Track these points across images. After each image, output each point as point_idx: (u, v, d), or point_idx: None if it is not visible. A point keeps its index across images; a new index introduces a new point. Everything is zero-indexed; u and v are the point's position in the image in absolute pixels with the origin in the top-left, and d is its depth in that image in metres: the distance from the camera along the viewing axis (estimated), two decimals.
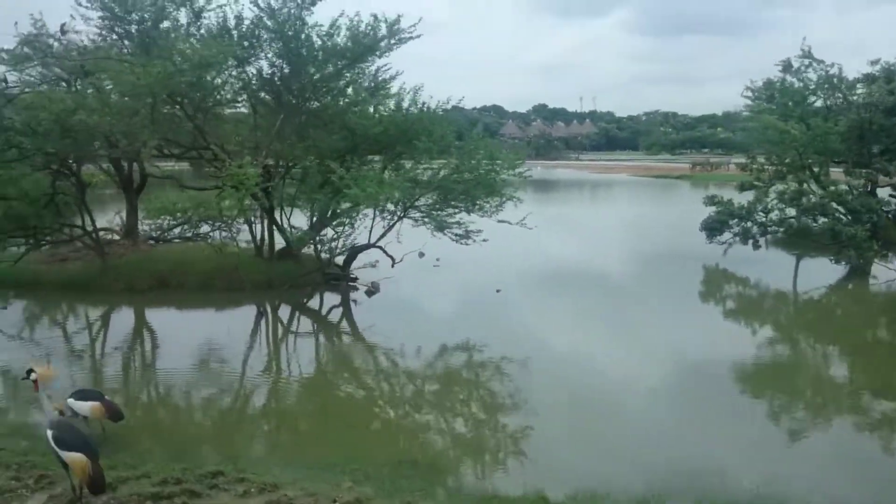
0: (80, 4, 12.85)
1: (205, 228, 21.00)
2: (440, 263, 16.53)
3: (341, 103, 14.79)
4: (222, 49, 12.24)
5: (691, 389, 10.08)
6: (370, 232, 14.49)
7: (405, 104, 14.00)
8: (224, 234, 21.39)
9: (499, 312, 14.28)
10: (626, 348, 11.94)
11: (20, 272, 15.41)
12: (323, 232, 15.48)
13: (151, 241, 19.44)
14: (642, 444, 7.95)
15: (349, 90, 14.25)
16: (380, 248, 14.25)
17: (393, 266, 14.06)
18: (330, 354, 12.41)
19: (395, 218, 14.23)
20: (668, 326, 13.32)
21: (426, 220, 14.07)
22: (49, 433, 5.82)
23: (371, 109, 14.00)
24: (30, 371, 6.10)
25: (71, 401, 7.51)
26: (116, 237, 19.10)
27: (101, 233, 17.12)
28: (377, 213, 14.11)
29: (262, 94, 14.78)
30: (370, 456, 7.58)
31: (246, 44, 13.13)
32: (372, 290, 15.09)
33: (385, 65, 14.83)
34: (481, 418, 9.00)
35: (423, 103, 13.97)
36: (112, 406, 7.56)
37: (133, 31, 13.09)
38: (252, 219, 16.21)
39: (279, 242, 16.05)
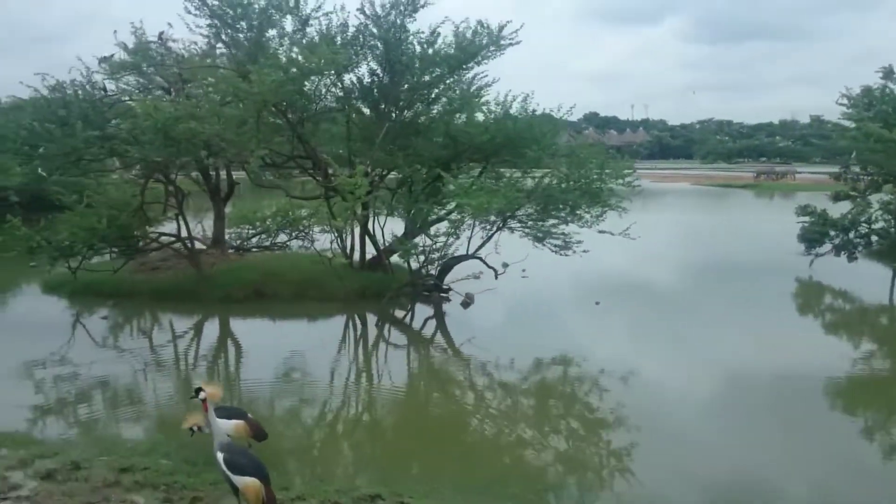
0: (188, 12, 12.82)
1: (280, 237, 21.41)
2: (527, 274, 16.05)
3: (437, 111, 14.51)
4: (335, 56, 12.07)
5: (798, 408, 9.61)
6: (469, 242, 14.12)
7: (512, 111, 13.60)
8: (301, 243, 21.56)
9: (598, 325, 13.95)
10: (728, 364, 11.49)
11: (117, 281, 15.55)
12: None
13: (231, 251, 19.47)
14: (752, 463, 7.66)
15: (447, 97, 13.89)
16: (479, 258, 13.86)
17: (496, 278, 13.66)
18: (435, 368, 12.06)
19: (494, 228, 13.83)
20: (770, 341, 12.79)
21: (527, 230, 13.66)
22: (220, 456, 5.56)
23: (477, 117, 13.65)
24: (198, 390, 5.87)
25: (211, 416, 7.25)
26: (202, 246, 19.20)
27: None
28: (476, 223, 13.74)
29: (358, 103, 14.54)
30: (517, 477, 7.35)
31: (351, 51, 12.91)
32: (467, 302, 14.71)
33: (482, 72, 14.51)
34: (629, 439, 8.52)
35: (533, 110, 13.60)
36: (256, 425, 7.28)
37: (240, 38, 13.00)
38: (343, 228, 16.01)
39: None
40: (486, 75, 14.61)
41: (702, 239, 28.78)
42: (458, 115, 13.26)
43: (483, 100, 14.41)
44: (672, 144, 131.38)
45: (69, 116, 12.95)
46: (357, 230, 15.97)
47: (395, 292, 14.43)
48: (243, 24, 12.75)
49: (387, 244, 15.68)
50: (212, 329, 14.32)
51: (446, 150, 13.59)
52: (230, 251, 19.47)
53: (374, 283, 15.33)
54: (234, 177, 18.78)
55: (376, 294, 15.11)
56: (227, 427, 7.07)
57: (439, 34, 13.74)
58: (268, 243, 21.20)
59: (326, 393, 10.18)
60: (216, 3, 12.62)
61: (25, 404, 9.27)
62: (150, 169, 14.44)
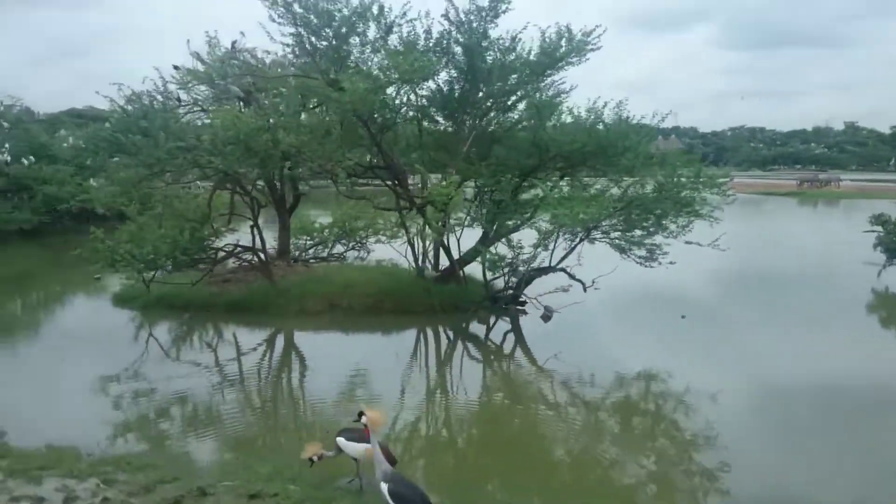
0: (272, 21, 12.63)
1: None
2: (598, 287, 15.61)
3: (517, 118, 14.17)
4: (429, 63, 11.81)
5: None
6: (552, 254, 13.73)
7: (604, 117, 13.19)
8: (357, 253, 21.33)
9: (684, 339, 13.50)
10: (819, 377, 11.17)
11: (193, 294, 15.41)
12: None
13: (294, 262, 19.28)
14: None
15: (531, 104, 13.51)
16: (565, 271, 13.44)
17: (585, 291, 13.24)
18: (516, 383, 11.70)
19: (578, 239, 13.42)
20: (863, 354, 12.43)
21: (615, 241, 13.24)
22: (384, 487, 5.24)
23: (563, 123, 13.26)
24: (361, 414, 5.56)
25: (341, 440, 6.88)
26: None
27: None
28: (560, 234, 13.35)
29: (433, 111, 14.25)
30: (602, 498, 7.25)
31: (434, 59, 12.62)
32: (547, 315, 14.29)
33: (559, 79, 14.15)
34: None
35: (627, 117, 13.18)
36: (385, 448, 6.89)
37: (323, 46, 12.78)
38: (413, 239, 15.72)
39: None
40: (563, 82, 14.27)
41: (769, 248, 28.15)
42: (546, 123, 12.89)
43: (572, 106, 13.99)
44: (703, 152, 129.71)
45: (151, 128, 12.84)
46: (429, 241, 15.69)
47: (477, 305, 14.07)
48: (328, 31, 12.49)
49: (459, 255, 15.36)
50: (289, 342, 14.10)
51: (530, 158, 13.23)
52: (295, 263, 19.33)
53: (449, 295, 14.99)
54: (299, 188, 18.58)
55: (452, 307, 14.82)
56: (356, 450, 6.73)
57: (520, 40, 13.44)
58: (324, 254, 21.07)
59: (405, 408, 9.91)
60: (300, 10, 12.39)
61: (113, 421, 9.19)
62: (227, 180, 14.28)
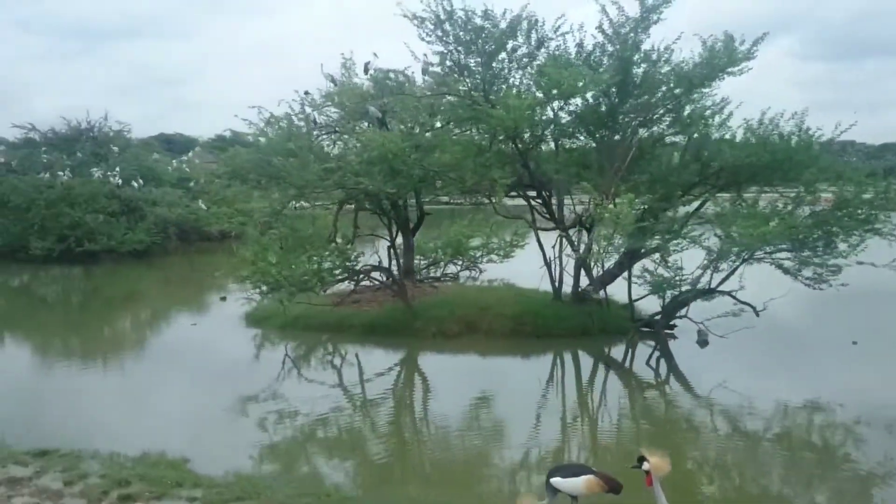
0: (422, 39, 12.41)
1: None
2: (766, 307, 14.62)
3: (666, 131, 13.48)
4: (601, 76, 11.33)
5: None
6: (710, 276, 12.90)
7: (780, 129, 12.37)
8: (470, 273, 20.91)
9: (857, 367, 12.40)
10: None
11: (327, 314, 15.30)
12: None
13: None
14: None
15: (693, 116, 12.82)
16: (729, 294, 12.57)
17: (758, 315, 12.35)
18: (677, 412, 10.83)
19: (740, 260, 12.57)
20: None
21: (781, 261, 12.33)
22: None
23: (728, 137, 12.51)
24: (641, 459, 5.01)
25: (558, 481, 6.29)
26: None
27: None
28: (730, 253, 12.50)
29: (580, 126, 13.72)
30: None
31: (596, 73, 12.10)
32: (704, 340, 13.44)
33: (712, 91, 13.37)
34: None
35: (807, 129, 12.33)
36: (607, 477, 6.24)
37: (472, 63, 12.47)
38: (550, 259, 15.16)
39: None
40: (716, 94, 13.48)
41: None
42: (712, 135, 12.19)
43: (734, 118, 13.18)
44: None
45: (298, 150, 12.82)
46: (558, 260, 15.12)
47: (635, 330, 13.41)
48: (477, 47, 12.15)
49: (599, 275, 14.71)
50: (430, 365, 13.72)
51: (687, 173, 12.51)
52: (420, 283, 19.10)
53: (590, 318, 14.36)
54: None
55: (596, 330, 14.21)
56: (575, 485, 6.13)
57: (672, 50, 12.81)
58: (437, 274, 20.76)
59: (556, 438, 9.41)
60: (451, 28, 12.11)
61: (276, 446, 9.08)
62: (366, 201, 14.13)
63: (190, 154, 48.32)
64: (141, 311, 20.35)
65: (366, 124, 15.47)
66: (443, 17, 11.94)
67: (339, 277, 14.64)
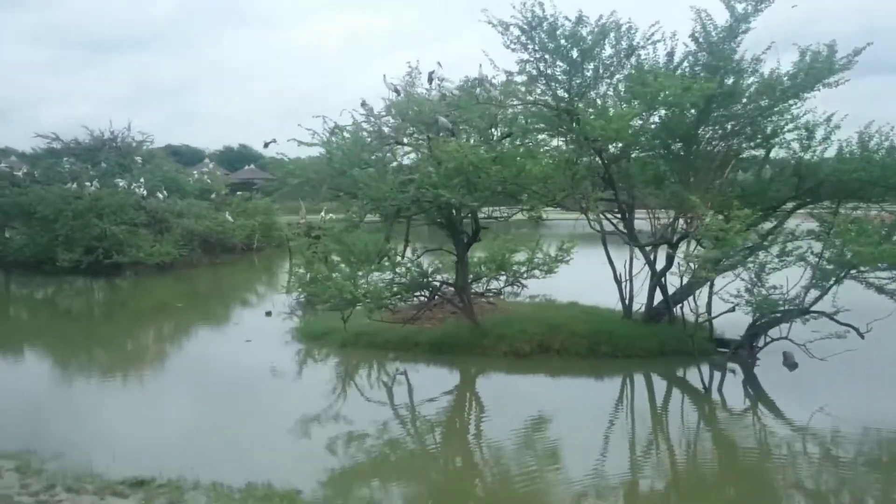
0: (507, 48, 11.92)
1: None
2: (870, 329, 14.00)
3: (753, 142, 12.99)
4: (702, 87, 10.85)
5: None
6: (805, 295, 12.32)
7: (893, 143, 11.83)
8: (512, 289, 20.32)
9: None
10: None
11: (390, 332, 14.76)
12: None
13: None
14: None
15: (788, 128, 12.32)
16: (828, 316, 11.99)
17: (863, 338, 11.78)
18: (770, 439, 10.24)
19: (834, 279, 12.02)
20: None
21: (878, 280, 11.78)
22: None
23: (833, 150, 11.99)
24: None
25: None
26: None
27: None
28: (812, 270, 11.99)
29: (663, 139, 13.20)
30: None
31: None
32: (793, 363, 12.86)
33: (796, 102, 12.86)
34: None
35: None
36: None
37: (557, 72, 12.01)
38: (621, 275, 14.63)
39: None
40: (800, 106, 12.98)
41: None
42: (815, 148, 11.70)
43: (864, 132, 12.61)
44: None
45: (373, 161, 12.34)
46: (629, 276, 14.60)
47: (731, 353, 12.86)
48: (569, 51, 11.65)
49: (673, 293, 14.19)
50: (502, 385, 13.18)
51: (785, 187, 12.00)
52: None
53: (670, 337, 13.82)
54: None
55: (676, 350, 13.67)
56: None
57: (762, 60, 12.34)
58: (479, 290, 20.25)
59: (637, 467, 8.86)
60: (539, 34, 11.64)
61: (352, 470, 8.62)
62: (439, 215, 13.62)
63: (210, 165, 47.98)
64: (185, 325, 19.77)
65: (423, 136, 14.98)
66: (534, 23, 11.47)
67: (416, 293, 14.06)
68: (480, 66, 15.16)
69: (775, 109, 12.54)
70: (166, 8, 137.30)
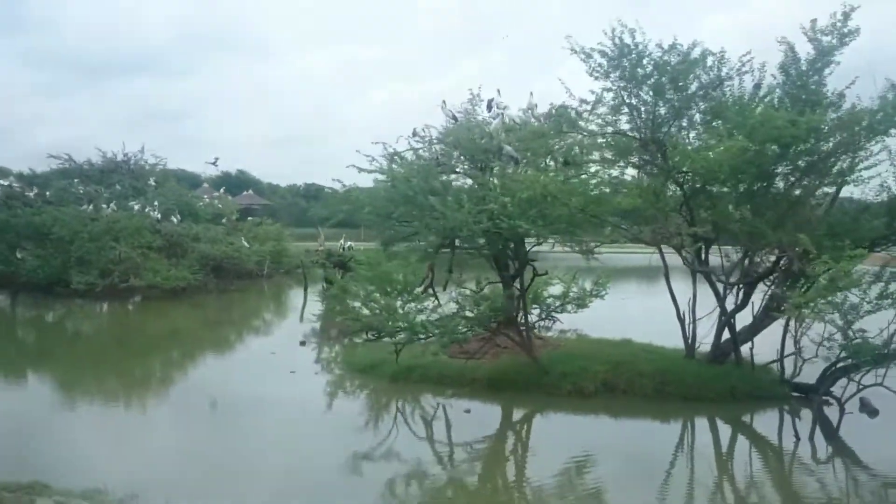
0: (591, 76, 11.55)
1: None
2: None
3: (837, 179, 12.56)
4: (809, 120, 10.48)
5: None
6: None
7: None
8: (544, 323, 19.73)
9: None
10: None
11: (444, 366, 14.14)
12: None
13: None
14: None
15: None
16: None
17: None
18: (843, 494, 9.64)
19: None
20: None
21: None
22: None
23: None
24: None
25: None
26: None
27: None
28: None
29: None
30: None
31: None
32: (871, 409, 12.31)
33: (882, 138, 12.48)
34: None
35: None
36: None
37: (638, 101, 11.62)
38: (683, 313, 14.12)
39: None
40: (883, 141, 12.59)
41: None
42: None
43: None
44: None
45: (444, 189, 11.89)
46: (693, 314, 14.08)
47: (790, 396, 12.30)
48: (657, 80, 11.25)
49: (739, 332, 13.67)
50: (571, 427, 12.53)
51: (879, 226, 11.60)
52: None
53: (741, 380, 13.25)
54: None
55: (747, 394, 13.09)
56: None
57: (844, 95, 12.02)
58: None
59: None
60: (629, 63, 11.28)
61: None
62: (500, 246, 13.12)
63: (221, 190, 47.50)
64: (222, 354, 19.04)
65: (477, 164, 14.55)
66: (624, 51, 11.12)
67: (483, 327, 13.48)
68: (531, 93, 14.88)
69: (856, 146, 12.20)
70: (163, 35, 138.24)
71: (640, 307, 24.46)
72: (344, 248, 30.74)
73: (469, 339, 13.08)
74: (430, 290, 17.51)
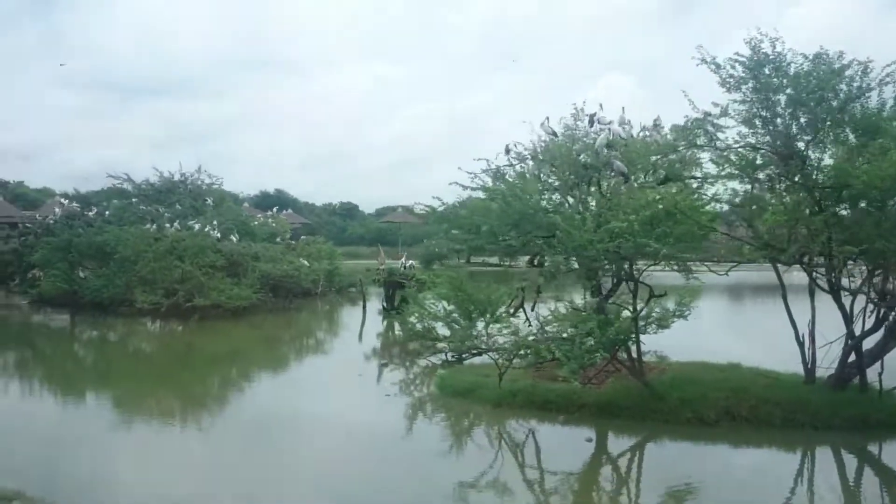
0: (724, 87, 10.99)
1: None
2: None
3: None
4: None
5: None
6: None
7: None
8: None
9: None
10: None
11: (545, 392, 13.53)
12: None
13: None
14: None
15: None
16: None
17: None
18: None
19: None
20: None
21: None
22: None
23: None
24: None
25: None
26: None
27: None
28: None
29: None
30: None
31: None
32: None
33: None
34: None
35: None
36: None
37: (771, 115, 11.00)
38: (803, 336, 13.39)
39: None
40: None
41: None
42: None
43: None
44: None
45: (555, 207, 11.43)
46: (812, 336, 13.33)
47: None
48: (797, 92, 10.63)
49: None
50: (689, 456, 11.85)
51: None
52: None
53: (875, 408, 12.46)
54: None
55: (879, 422, 12.29)
56: None
57: None
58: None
59: None
60: (767, 73, 10.70)
61: None
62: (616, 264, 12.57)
63: (274, 209, 47.72)
64: (304, 376, 18.67)
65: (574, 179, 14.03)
66: (763, 61, 10.57)
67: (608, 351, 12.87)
68: (623, 108, 14.39)
69: None
70: (196, 56, 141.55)
71: (721, 326, 23.71)
72: (405, 267, 30.36)
73: (596, 362, 12.44)
74: (522, 311, 17.06)
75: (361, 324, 29.04)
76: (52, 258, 31.74)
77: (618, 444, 12.51)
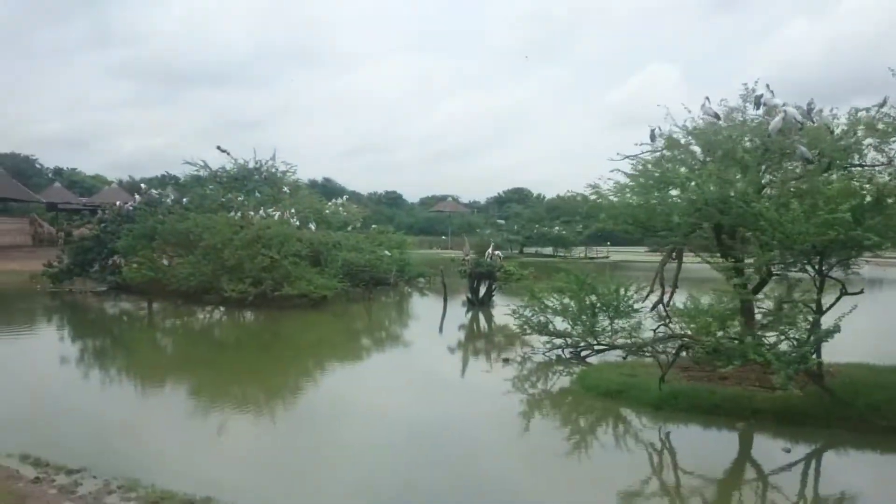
0: None
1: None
2: None
3: None
4: None
5: None
6: None
7: None
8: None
9: None
10: None
11: (709, 396, 12.51)
12: None
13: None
14: None
15: None
16: None
17: None
18: None
19: None
20: None
21: None
22: None
23: None
24: None
25: None
26: None
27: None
28: None
29: None
30: None
31: None
32: None
33: None
34: None
35: None
36: None
37: None
38: None
39: None
40: None
41: None
42: None
43: None
44: None
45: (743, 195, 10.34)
46: None
47: None
48: None
49: None
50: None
51: None
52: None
53: None
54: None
55: None
56: None
57: None
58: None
59: None
60: None
61: None
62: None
63: (344, 197, 47.37)
64: (426, 372, 17.77)
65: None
66: None
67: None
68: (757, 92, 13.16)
69: None
70: (245, 47, 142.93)
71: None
72: (491, 258, 29.44)
73: (812, 367, 11.29)
74: (661, 306, 16.05)
75: (442, 315, 28.30)
76: (136, 245, 31.64)
77: (820, 456, 11.38)
